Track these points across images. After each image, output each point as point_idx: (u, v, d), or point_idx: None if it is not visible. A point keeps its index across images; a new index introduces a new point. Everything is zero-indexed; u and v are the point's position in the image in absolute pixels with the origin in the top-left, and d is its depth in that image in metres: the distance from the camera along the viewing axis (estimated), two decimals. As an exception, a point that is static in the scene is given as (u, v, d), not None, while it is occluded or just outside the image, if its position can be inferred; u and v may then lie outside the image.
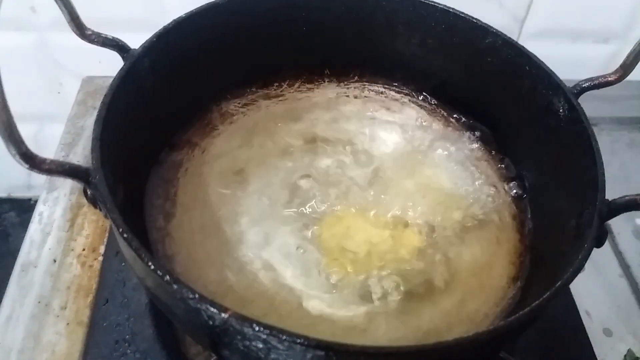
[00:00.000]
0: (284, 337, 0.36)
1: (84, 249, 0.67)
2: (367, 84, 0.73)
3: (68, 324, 0.60)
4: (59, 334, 0.59)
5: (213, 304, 0.37)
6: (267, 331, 0.36)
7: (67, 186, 0.74)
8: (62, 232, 0.69)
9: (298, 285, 0.52)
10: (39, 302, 0.62)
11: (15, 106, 1.01)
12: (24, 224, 0.70)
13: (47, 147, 0.82)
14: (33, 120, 1.03)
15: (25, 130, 1.09)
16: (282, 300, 0.51)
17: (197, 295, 0.37)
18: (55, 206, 0.71)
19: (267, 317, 0.50)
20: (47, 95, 0.99)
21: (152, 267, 0.39)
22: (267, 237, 0.55)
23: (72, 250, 0.67)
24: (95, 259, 0.66)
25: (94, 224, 0.70)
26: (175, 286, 0.38)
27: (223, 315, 0.37)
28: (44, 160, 0.41)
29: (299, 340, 0.36)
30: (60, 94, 1.00)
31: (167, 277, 0.38)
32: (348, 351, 0.36)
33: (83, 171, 0.43)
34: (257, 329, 0.36)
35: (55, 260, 0.66)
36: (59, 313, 0.61)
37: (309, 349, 0.36)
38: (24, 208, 1.17)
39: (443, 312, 0.52)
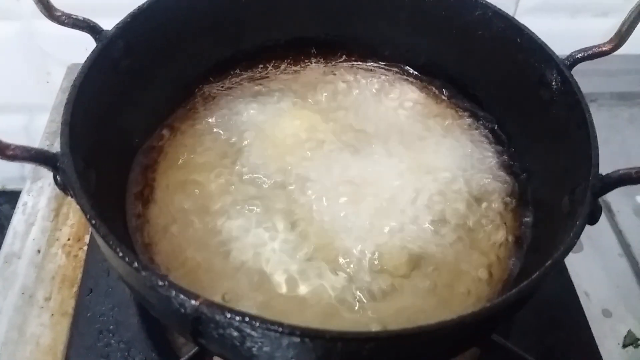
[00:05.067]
0: (257, 324, 0.35)
1: (68, 239, 0.66)
2: (355, 62, 0.71)
3: (52, 315, 0.59)
4: (43, 326, 0.58)
5: (183, 291, 0.36)
6: (239, 318, 0.35)
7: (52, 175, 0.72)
8: (47, 222, 0.67)
9: (280, 267, 0.50)
10: (23, 293, 0.61)
11: (3, 97, 0.99)
12: (19, 216, 0.69)
13: (38, 138, 0.81)
14: (23, 111, 1.01)
15: (16, 122, 1.07)
16: (267, 284, 0.50)
17: (166, 282, 0.36)
18: (40, 196, 0.70)
19: (245, 300, 0.49)
20: (36, 85, 0.97)
21: (120, 253, 0.37)
22: (251, 219, 0.53)
23: (57, 240, 0.66)
24: (80, 249, 0.65)
25: (79, 214, 0.68)
26: (144, 273, 0.36)
27: (194, 302, 0.35)
28: (8, 146, 0.40)
29: (273, 327, 0.34)
30: (49, 83, 0.98)
31: (136, 264, 0.36)
32: (324, 337, 0.35)
33: (51, 156, 0.42)
34: (229, 316, 0.35)
35: (39, 251, 0.64)
36: (43, 304, 0.60)
37: (284, 336, 0.35)
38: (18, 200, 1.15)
39: (434, 291, 0.51)
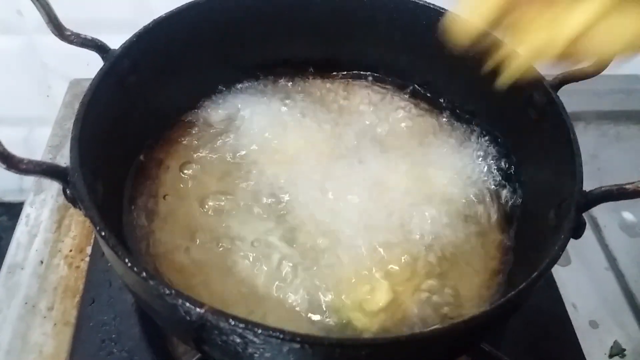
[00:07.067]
0: (260, 331, 0.36)
1: (71, 250, 0.67)
2: (351, 80, 0.73)
3: (55, 324, 0.61)
4: (46, 335, 0.60)
5: (189, 299, 0.37)
6: (243, 325, 0.37)
7: (54, 188, 0.74)
8: (49, 233, 0.69)
9: (285, 283, 0.52)
10: (26, 303, 0.62)
11: (3, 110, 1.00)
12: (16, 228, 0.70)
13: (38, 151, 0.82)
14: (23, 123, 1.03)
15: (15, 134, 1.09)
16: (270, 298, 0.52)
17: (173, 291, 0.38)
18: (42, 208, 0.72)
19: (253, 315, 0.50)
20: (36, 98, 0.99)
21: (129, 264, 0.39)
22: (252, 233, 0.55)
23: (59, 251, 0.67)
24: (82, 260, 0.66)
25: (80, 225, 0.70)
26: (151, 282, 0.38)
27: (199, 310, 0.37)
28: (21, 160, 0.41)
29: (274, 334, 0.36)
30: (49, 97, 1.00)
31: (144, 274, 0.38)
32: (323, 343, 0.37)
33: (61, 171, 0.44)
34: (232, 323, 0.37)
35: (42, 262, 0.66)
36: (46, 314, 0.61)
37: (285, 342, 0.37)
38: (15, 212, 1.16)
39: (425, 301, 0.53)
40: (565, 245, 0.44)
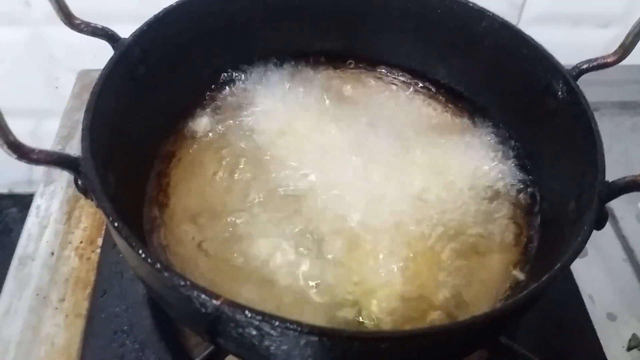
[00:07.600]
0: (277, 323, 0.36)
1: (81, 242, 0.67)
2: (364, 70, 0.72)
3: (67, 316, 0.60)
4: (57, 326, 0.59)
5: (205, 291, 0.37)
6: (260, 317, 0.36)
7: (64, 179, 0.73)
8: (60, 225, 0.68)
9: (299, 271, 0.51)
10: (37, 294, 0.62)
11: (11, 101, 1.00)
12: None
13: (46, 142, 0.82)
14: (30, 115, 1.02)
15: (23, 126, 1.09)
16: (282, 287, 0.51)
17: (188, 283, 0.37)
18: (53, 199, 0.71)
19: (267, 303, 0.50)
20: (44, 90, 0.99)
21: (143, 255, 0.38)
22: (263, 223, 0.55)
23: (70, 242, 0.67)
24: (92, 252, 0.66)
25: (91, 217, 0.69)
26: (166, 274, 0.37)
27: (215, 302, 0.36)
28: (32, 150, 0.41)
29: (291, 326, 0.36)
30: (57, 88, 0.99)
31: (158, 265, 0.38)
32: (341, 336, 0.36)
33: (72, 160, 0.43)
34: (249, 315, 0.36)
35: (53, 253, 0.65)
36: (58, 305, 0.61)
37: (302, 335, 0.36)
38: (25, 204, 1.16)
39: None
40: (589, 237, 0.43)
